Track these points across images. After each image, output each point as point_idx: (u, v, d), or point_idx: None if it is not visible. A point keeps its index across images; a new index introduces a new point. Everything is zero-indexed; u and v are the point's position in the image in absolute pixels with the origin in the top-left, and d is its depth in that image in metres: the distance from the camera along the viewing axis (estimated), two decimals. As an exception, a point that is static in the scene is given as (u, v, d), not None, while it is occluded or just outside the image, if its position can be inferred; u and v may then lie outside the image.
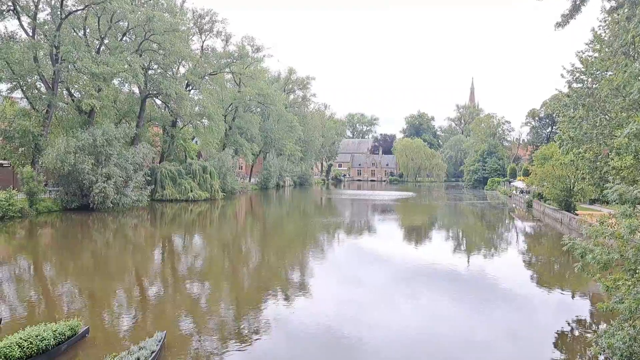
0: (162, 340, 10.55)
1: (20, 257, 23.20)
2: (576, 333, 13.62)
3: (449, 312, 15.20)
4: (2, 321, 12.22)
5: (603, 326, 14.25)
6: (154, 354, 9.82)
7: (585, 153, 22.95)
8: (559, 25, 13.65)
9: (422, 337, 12.86)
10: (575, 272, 9.38)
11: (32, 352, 9.45)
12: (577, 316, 15.21)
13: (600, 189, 23.41)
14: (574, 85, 23.35)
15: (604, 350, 9.30)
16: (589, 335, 13.62)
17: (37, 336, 9.73)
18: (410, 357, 11.56)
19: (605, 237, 8.56)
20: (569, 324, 14.26)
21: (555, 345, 12.41)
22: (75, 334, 10.78)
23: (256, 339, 12.13)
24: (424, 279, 19.72)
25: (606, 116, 20.62)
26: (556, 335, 13.17)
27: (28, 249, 25.44)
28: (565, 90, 25.60)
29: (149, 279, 19.50)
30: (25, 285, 17.76)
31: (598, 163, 21.79)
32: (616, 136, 20.99)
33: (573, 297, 18.09)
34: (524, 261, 25.47)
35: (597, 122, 20.90)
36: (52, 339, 9.93)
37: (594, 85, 21.94)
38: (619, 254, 8.19)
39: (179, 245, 28.60)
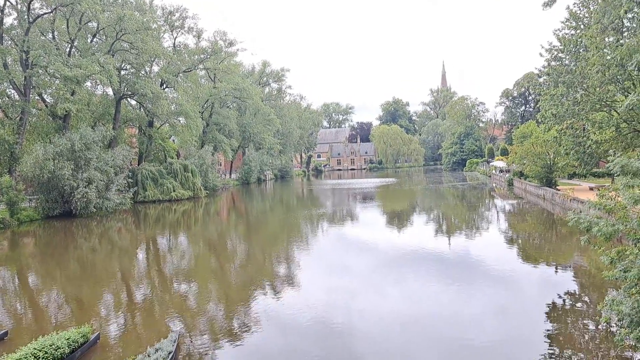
0: (176, 340, 10.56)
1: (8, 269, 22.74)
2: (567, 305, 13.95)
3: (437, 293, 15.41)
4: (8, 334, 12.03)
5: (590, 296, 14.70)
6: (170, 355, 9.83)
7: (567, 129, 23.53)
8: (546, 4, 13.88)
9: (412, 318, 13.01)
10: (582, 245, 9.68)
11: (48, 362, 9.37)
12: (566, 289, 15.56)
13: (584, 163, 24.04)
14: (553, 63, 23.85)
15: (610, 319, 9.64)
16: (579, 306, 14.04)
17: (51, 345, 9.64)
18: (401, 337, 11.72)
19: (606, 210, 8.83)
20: (559, 296, 14.58)
21: (548, 317, 12.68)
22: (87, 341, 10.70)
23: (252, 333, 12.21)
24: (410, 263, 19.90)
25: (586, 92, 21.14)
26: (548, 308, 13.42)
27: (16, 259, 24.92)
28: (543, 69, 26.15)
29: (143, 282, 19.36)
30: (21, 297, 17.47)
31: (581, 138, 22.34)
32: (597, 111, 21.60)
33: (560, 270, 18.51)
34: (510, 238, 25.97)
35: (577, 99, 21.42)
36: (67, 347, 9.84)
37: (572, 63, 22.42)
38: (623, 225, 8.48)
39: (167, 247, 28.38)
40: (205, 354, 10.93)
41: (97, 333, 11.35)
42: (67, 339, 10.05)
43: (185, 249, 27.25)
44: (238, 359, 10.94)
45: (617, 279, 8.89)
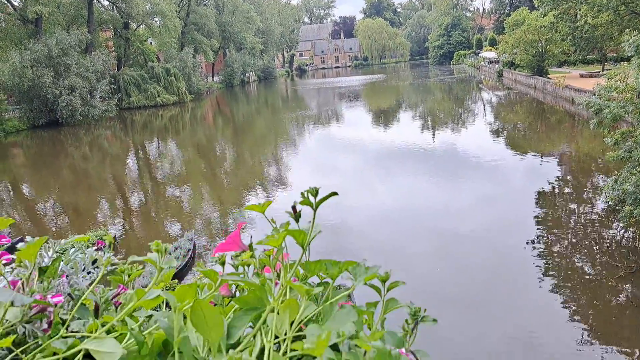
0: (192, 238, 10.87)
1: (2, 180, 22.68)
2: (556, 191, 14.41)
3: (426, 188, 15.77)
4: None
5: (579, 181, 15.23)
6: (189, 252, 10.18)
7: (564, 14, 22.89)
8: None
9: (402, 212, 13.38)
10: (591, 128, 9.83)
11: (71, 264, 9.61)
12: (555, 176, 15.98)
13: (579, 49, 23.65)
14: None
15: (614, 198, 10.07)
16: (567, 191, 14.56)
17: (71, 248, 9.85)
18: (392, 231, 12.11)
19: (616, 92, 8.85)
20: (549, 182, 15.00)
21: (537, 203, 13.12)
22: (104, 243, 10.95)
23: (247, 232, 12.50)
24: (398, 160, 20.07)
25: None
26: (536, 195, 13.82)
27: (8, 171, 24.79)
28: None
29: (139, 188, 19.59)
30: (20, 206, 17.62)
31: (578, 22, 21.79)
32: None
33: (549, 159, 18.85)
34: (498, 130, 26.24)
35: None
36: (86, 250, 10.09)
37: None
38: (633, 105, 8.54)
39: (158, 153, 28.32)
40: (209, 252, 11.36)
41: (113, 235, 11.62)
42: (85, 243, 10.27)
43: (176, 154, 27.27)
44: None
45: (621, 159, 9.11)
